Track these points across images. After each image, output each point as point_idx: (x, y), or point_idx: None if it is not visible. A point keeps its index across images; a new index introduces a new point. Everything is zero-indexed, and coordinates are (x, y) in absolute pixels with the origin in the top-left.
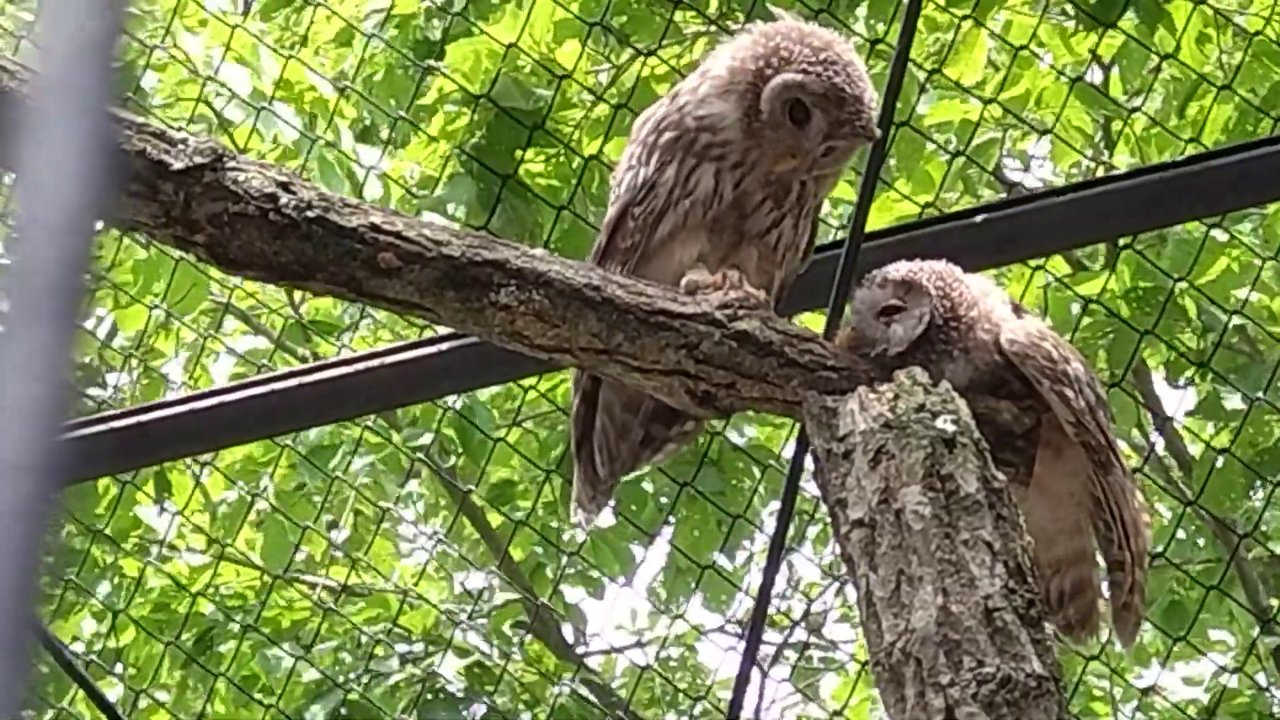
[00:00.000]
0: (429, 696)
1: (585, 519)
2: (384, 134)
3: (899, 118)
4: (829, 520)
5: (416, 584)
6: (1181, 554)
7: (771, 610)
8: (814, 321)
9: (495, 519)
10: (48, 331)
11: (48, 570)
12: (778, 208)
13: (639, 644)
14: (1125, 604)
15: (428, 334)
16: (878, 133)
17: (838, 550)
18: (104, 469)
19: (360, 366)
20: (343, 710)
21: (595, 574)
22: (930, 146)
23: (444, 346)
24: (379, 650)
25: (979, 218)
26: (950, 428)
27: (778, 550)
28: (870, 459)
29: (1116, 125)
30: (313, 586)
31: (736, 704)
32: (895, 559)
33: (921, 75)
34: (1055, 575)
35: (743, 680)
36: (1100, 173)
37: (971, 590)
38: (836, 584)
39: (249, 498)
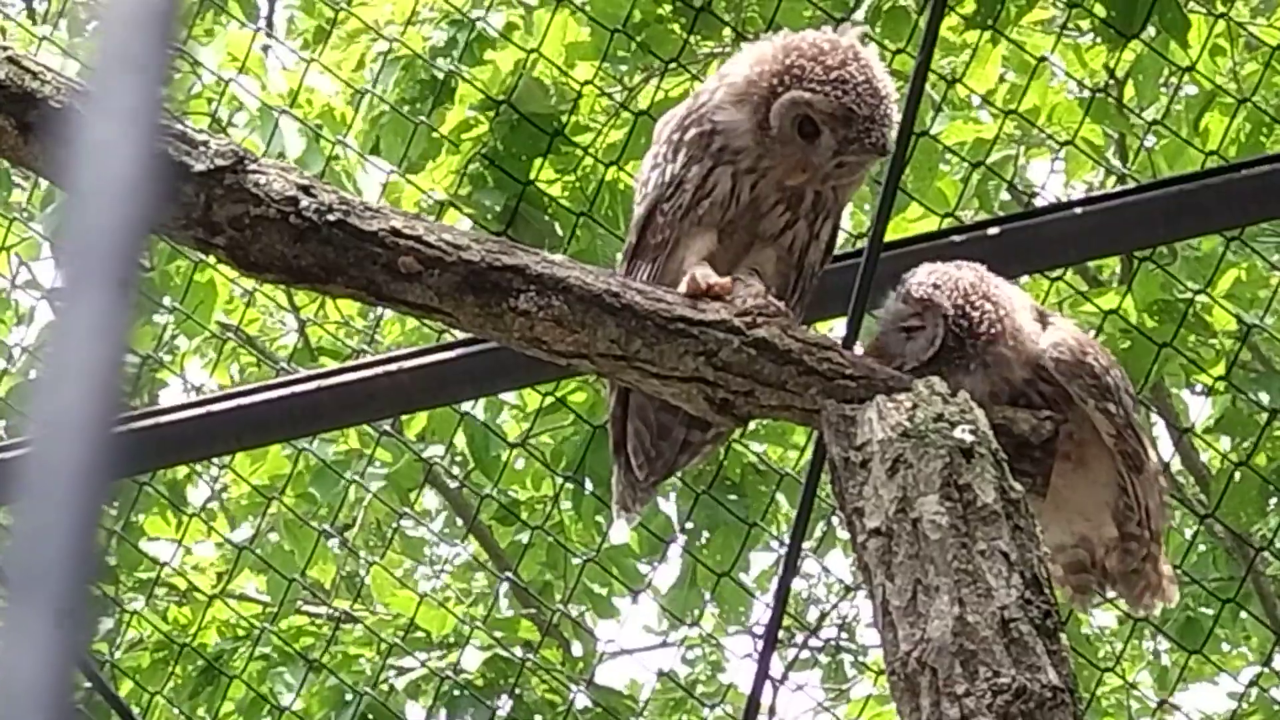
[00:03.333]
0: (454, 693)
1: (628, 519)
2: (397, 157)
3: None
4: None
5: (416, 613)
6: (1198, 572)
7: (802, 613)
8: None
9: (503, 539)
10: (106, 296)
11: (104, 531)
12: (792, 212)
13: (664, 644)
14: (1135, 569)
15: (446, 338)
16: (891, 149)
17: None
18: (119, 470)
19: (379, 370)
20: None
21: (604, 591)
22: (944, 164)
23: (462, 351)
24: (395, 654)
25: (993, 230)
26: (968, 437)
27: (794, 556)
28: (888, 468)
29: (1131, 142)
30: (315, 617)
31: (751, 713)
32: (912, 568)
33: (935, 93)
34: (1106, 553)
35: (758, 690)
36: (1112, 186)
37: (988, 600)
38: (864, 589)
39: (258, 528)
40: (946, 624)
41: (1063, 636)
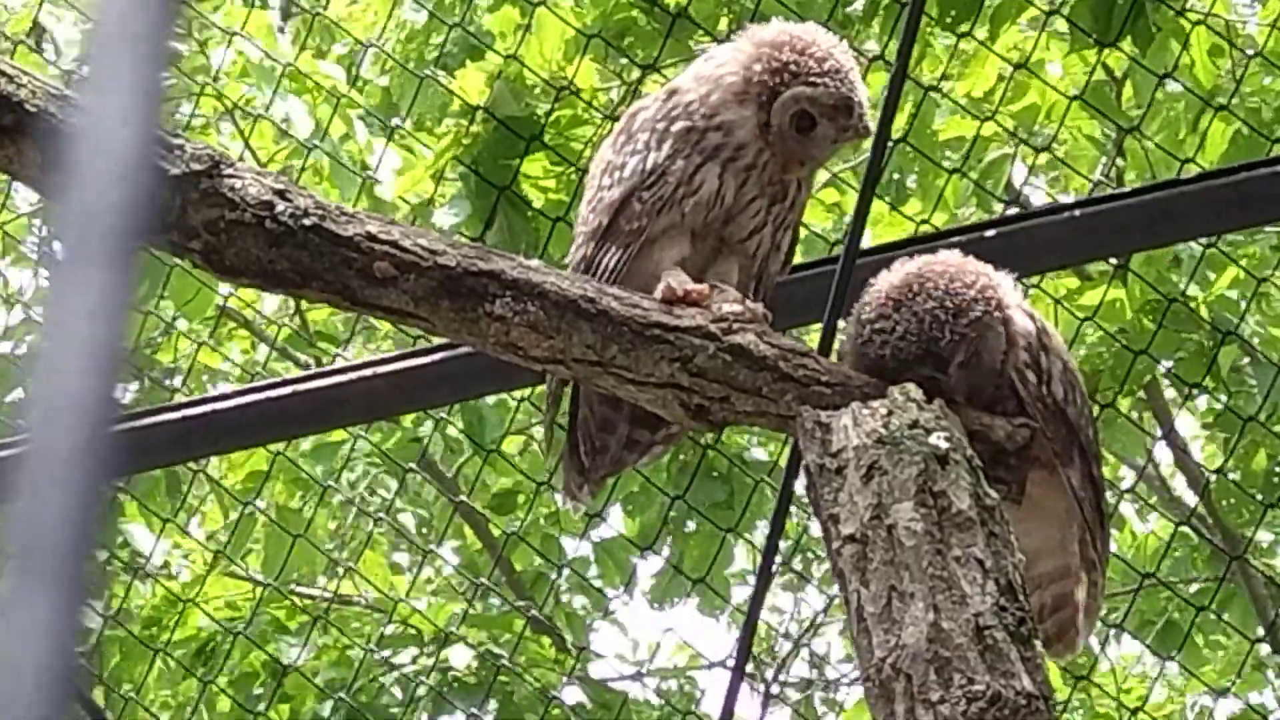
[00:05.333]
0: (446, 687)
1: (574, 507)
2: (401, 127)
3: (898, 131)
4: (823, 539)
5: (408, 593)
6: (1177, 573)
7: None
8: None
9: (498, 530)
10: (104, 274)
11: (102, 509)
12: (769, 209)
13: (639, 675)
14: (1094, 606)
15: (422, 343)
16: (873, 128)
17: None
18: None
19: (354, 375)
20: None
21: (597, 583)
22: (943, 161)
23: (438, 356)
24: (386, 650)
25: (991, 232)
26: (943, 444)
27: (766, 571)
28: (863, 474)
29: (1130, 142)
30: (309, 598)
31: None
32: (887, 575)
33: (928, 88)
34: (1037, 590)
35: (729, 712)
36: (1103, 189)
37: (962, 607)
38: (841, 623)
39: (247, 512)
40: (921, 630)
41: (1037, 643)
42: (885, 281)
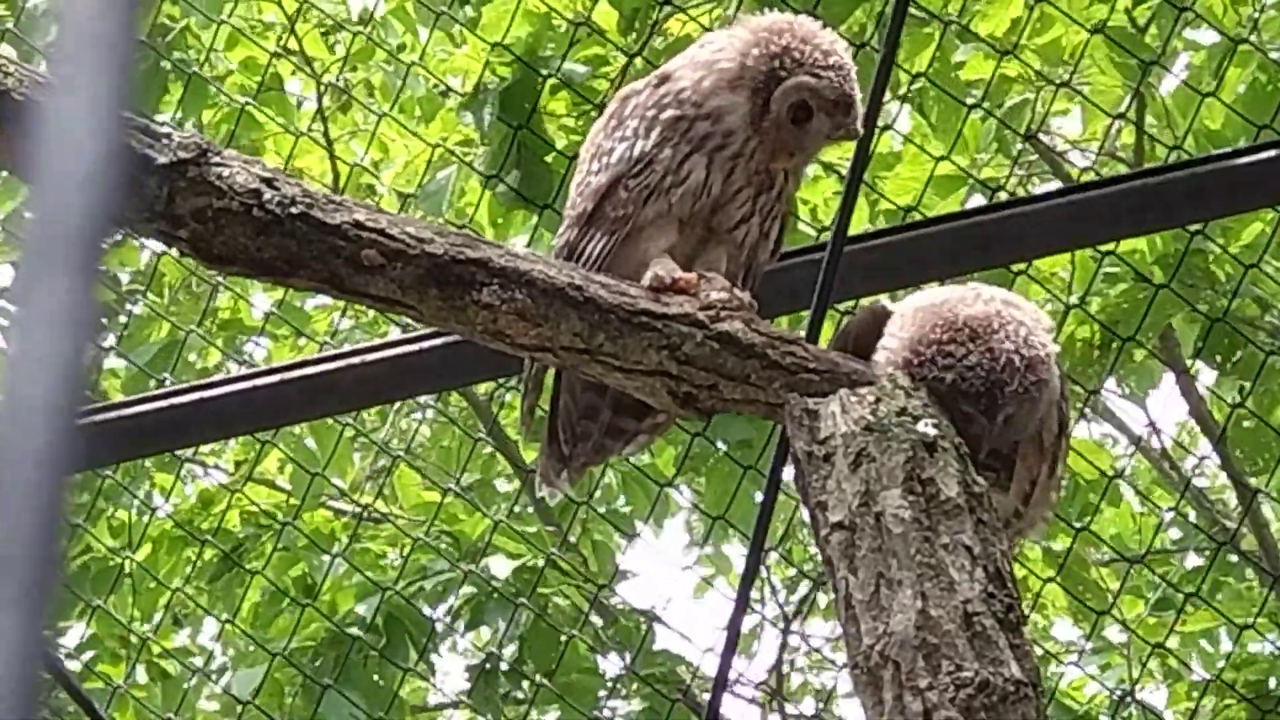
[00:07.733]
0: (481, 599)
1: (550, 493)
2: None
3: (903, 86)
4: (810, 526)
5: (436, 516)
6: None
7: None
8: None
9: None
10: (69, 282)
11: (68, 520)
12: (757, 200)
13: (626, 670)
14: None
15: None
16: (861, 131)
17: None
18: (83, 460)
19: (343, 364)
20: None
21: (625, 512)
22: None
23: (426, 344)
24: (423, 556)
25: (964, 220)
26: (931, 431)
27: (757, 553)
28: (851, 462)
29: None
30: (339, 513)
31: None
32: (875, 562)
33: (952, 29)
34: None
35: (719, 684)
36: (1129, 139)
37: (951, 594)
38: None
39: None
40: (909, 618)
41: (1025, 630)
42: (958, 306)
